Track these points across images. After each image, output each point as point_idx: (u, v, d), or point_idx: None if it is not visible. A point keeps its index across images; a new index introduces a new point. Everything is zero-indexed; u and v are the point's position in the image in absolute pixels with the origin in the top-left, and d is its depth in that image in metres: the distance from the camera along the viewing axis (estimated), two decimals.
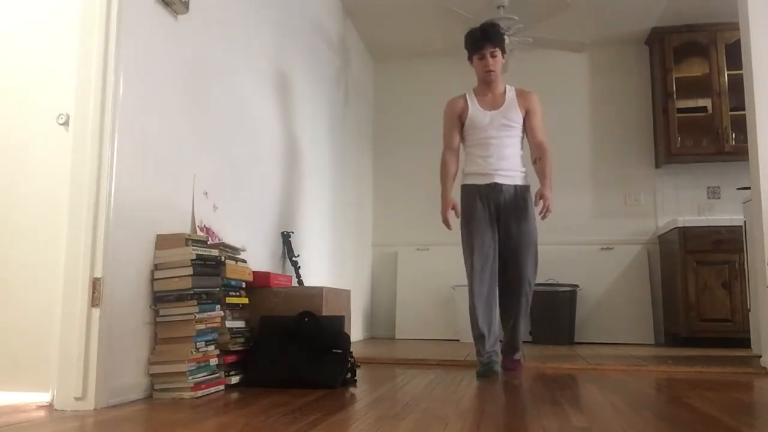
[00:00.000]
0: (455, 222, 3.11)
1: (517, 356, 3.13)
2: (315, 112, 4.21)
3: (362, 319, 5.36)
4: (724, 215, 4.99)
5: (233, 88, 2.94)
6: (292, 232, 3.61)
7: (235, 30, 2.98)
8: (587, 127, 5.56)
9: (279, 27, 3.55)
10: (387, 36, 5.50)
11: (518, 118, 3.12)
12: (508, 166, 3.09)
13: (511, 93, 3.16)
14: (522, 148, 3.20)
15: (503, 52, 3.15)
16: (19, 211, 2.23)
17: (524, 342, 4.97)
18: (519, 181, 3.11)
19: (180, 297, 2.19)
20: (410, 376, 2.77)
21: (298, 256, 3.63)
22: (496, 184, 3.06)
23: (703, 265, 4.53)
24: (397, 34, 5.44)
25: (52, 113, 2.21)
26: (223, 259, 2.39)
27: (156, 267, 2.22)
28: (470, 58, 3.18)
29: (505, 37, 3.26)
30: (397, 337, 5.44)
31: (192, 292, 2.18)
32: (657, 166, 5.35)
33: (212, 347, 2.28)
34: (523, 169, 3.15)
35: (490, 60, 3.09)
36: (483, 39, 3.10)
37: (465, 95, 3.23)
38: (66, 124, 2.17)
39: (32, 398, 2.04)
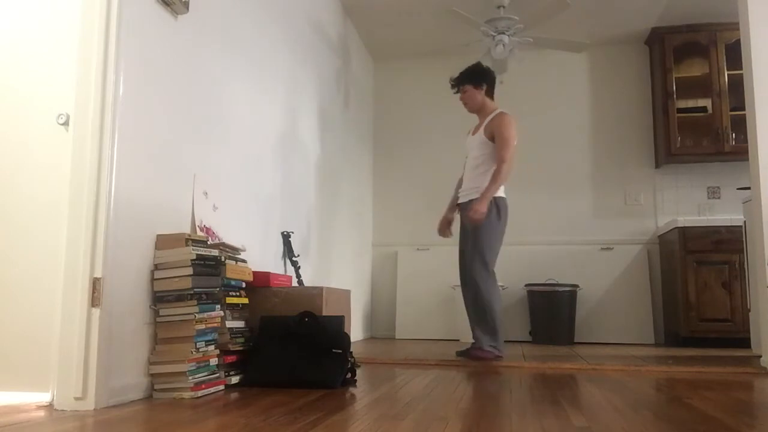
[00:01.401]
0: (454, 229, 3.81)
1: (476, 346, 3.50)
2: (315, 111, 4.21)
3: (362, 319, 5.36)
4: (724, 215, 5.00)
5: (233, 87, 2.94)
6: (292, 232, 3.61)
7: (235, 30, 2.98)
8: (587, 127, 5.56)
9: (279, 27, 3.55)
10: (387, 36, 5.50)
11: (485, 139, 3.61)
12: (470, 184, 3.65)
13: (490, 117, 3.65)
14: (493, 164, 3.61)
15: (475, 85, 3.69)
16: (19, 211, 2.23)
17: (524, 342, 5.02)
18: (474, 195, 3.57)
19: (180, 297, 2.19)
20: (410, 376, 2.77)
21: (298, 256, 3.63)
22: (460, 204, 3.72)
23: (703, 265, 4.53)
24: (397, 34, 5.44)
25: (52, 113, 2.21)
26: (223, 259, 2.39)
27: (156, 267, 2.22)
28: None
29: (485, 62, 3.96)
30: (397, 337, 5.44)
31: (192, 292, 2.18)
32: (657, 166, 5.35)
33: (212, 347, 2.28)
34: (479, 186, 3.57)
35: (462, 96, 3.73)
36: (452, 84, 3.77)
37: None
38: (66, 124, 2.17)
39: (32, 398, 2.04)
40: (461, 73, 3.73)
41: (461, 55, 5.75)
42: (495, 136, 3.54)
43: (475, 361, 3.38)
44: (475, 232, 3.49)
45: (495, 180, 3.46)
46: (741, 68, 3.32)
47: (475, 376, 2.81)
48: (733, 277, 4.47)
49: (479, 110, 3.71)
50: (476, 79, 3.69)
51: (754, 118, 3.14)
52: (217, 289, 2.33)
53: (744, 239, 3.95)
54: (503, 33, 4.50)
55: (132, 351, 2.10)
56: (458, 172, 3.93)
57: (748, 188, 3.42)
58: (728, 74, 4.93)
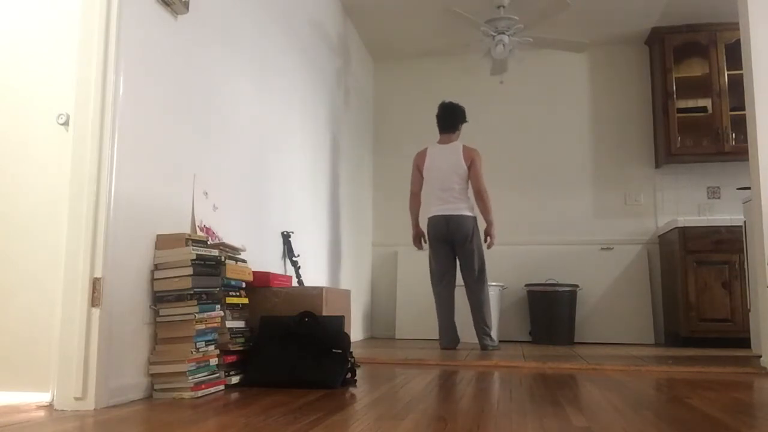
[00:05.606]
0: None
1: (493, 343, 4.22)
2: (315, 111, 4.21)
3: (362, 319, 5.36)
4: (724, 215, 5.00)
5: (233, 87, 2.94)
6: (292, 232, 3.61)
7: (235, 30, 2.98)
8: (587, 127, 5.56)
9: (279, 27, 3.55)
10: (387, 36, 5.50)
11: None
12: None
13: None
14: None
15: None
16: (19, 211, 2.23)
17: (524, 342, 5.02)
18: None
19: (180, 297, 2.19)
20: (410, 376, 2.77)
21: (298, 256, 3.63)
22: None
23: (703, 265, 4.54)
24: (397, 34, 5.44)
25: (52, 113, 2.21)
26: (223, 259, 2.39)
27: (156, 267, 2.22)
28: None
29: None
30: (397, 337, 5.44)
31: (192, 292, 2.18)
32: (657, 166, 5.35)
33: (212, 347, 2.28)
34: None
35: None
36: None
37: None
38: (66, 124, 2.17)
39: (32, 398, 2.04)
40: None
41: (461, 55, 5.77)
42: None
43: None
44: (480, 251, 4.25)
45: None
46: (741, 68, 3.32)
47: (475, 376, 2.81)
48: (733, 277, 4.47)
49: None
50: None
51: (754, 118, 3.14)
52: (217, 289, 2.33)
53: (744, 239, 3.95)
54: (503, 33, 4.50)
55: (132, 351, 2.10)
56: None
57: (748, 188, 3.42)
58: (728, 74, 4.94)
